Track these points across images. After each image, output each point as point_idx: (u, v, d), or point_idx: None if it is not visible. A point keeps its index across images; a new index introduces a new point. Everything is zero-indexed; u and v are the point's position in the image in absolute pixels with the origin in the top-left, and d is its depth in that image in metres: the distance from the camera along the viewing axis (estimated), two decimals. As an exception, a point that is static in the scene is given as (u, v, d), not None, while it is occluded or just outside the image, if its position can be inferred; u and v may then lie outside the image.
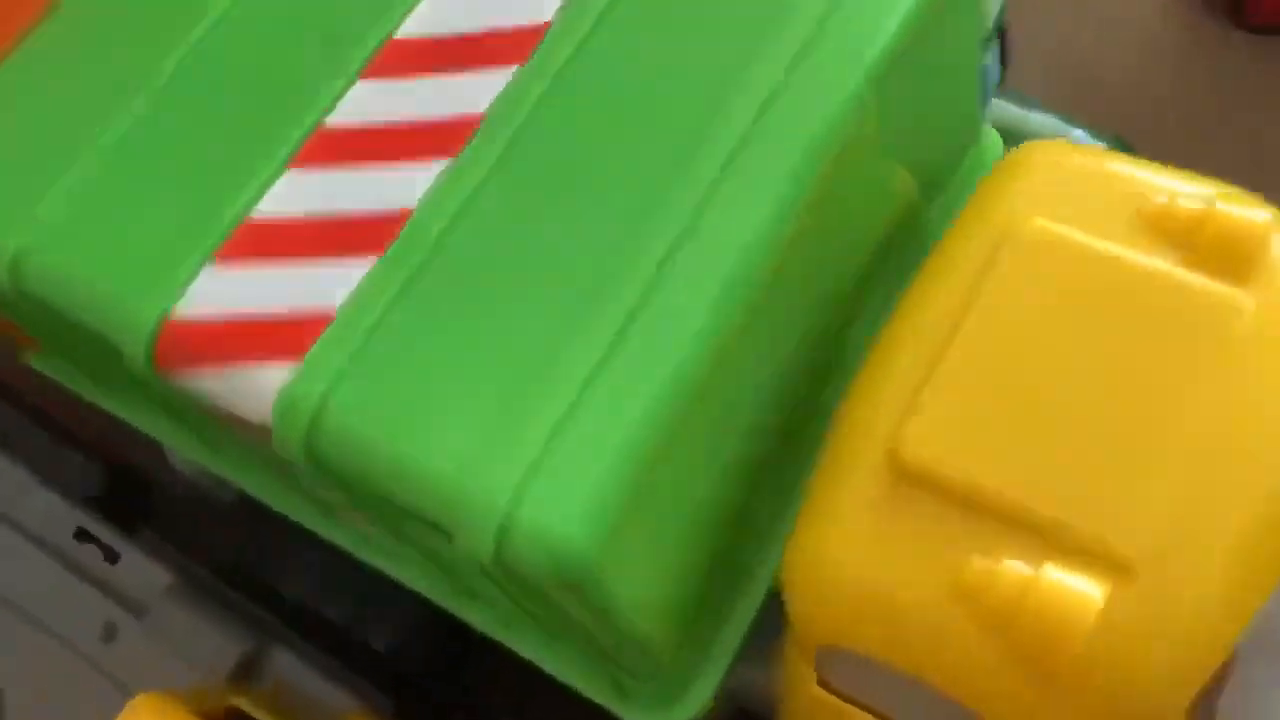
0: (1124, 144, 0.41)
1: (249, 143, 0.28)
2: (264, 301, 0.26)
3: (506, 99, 0.28)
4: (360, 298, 0.26)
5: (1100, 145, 0.41)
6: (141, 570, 0.38)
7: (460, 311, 0.25)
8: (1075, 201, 0.27)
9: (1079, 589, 0.23)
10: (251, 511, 0.40)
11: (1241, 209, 0.25)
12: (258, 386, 0.25)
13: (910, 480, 0.25)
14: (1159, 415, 0.24)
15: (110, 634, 0.38)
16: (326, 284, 0.26)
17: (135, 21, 0.31)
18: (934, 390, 0.25)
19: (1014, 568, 0.23)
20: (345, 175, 0.28)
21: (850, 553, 0.25)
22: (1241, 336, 0.24)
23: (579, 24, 0.28)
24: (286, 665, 0.37)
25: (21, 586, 0.38)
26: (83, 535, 0.39)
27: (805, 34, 0.26)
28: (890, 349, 0.27)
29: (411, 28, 0.29)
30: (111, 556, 0.39)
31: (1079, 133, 0.41)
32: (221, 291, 0.27)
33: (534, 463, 0.23)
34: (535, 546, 0.22)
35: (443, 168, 0.27)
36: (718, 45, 0.27)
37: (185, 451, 0.35)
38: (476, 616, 0.31)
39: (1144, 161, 0.28)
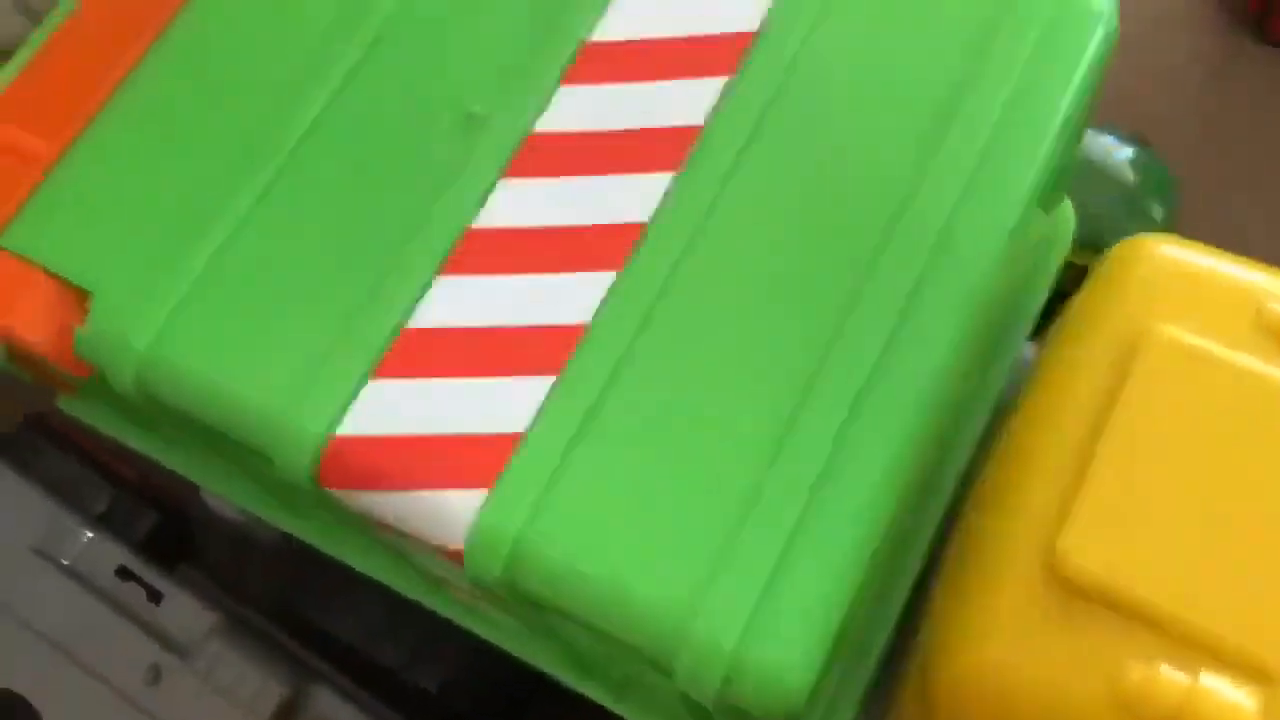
0: (1147, 146, 0.42)
1: (394, 243, 0.28)
2: (441, 421, 0.26)
3: (670, 206, 0.27)
4: (547, 420, 0.26)
5: (1128, 150, 0.42)
6: (185, 611, 0.38)
7: (653, 433, 0.25)
8: (1193, 305, 0.29)
9: (1234, 699, 0.25)
10: (295, 551, 0.39)
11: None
12: (448, 513, 0.25)
13: (1068, 588, 0.26)
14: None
15: (155, 676, 0.37)
16: (505, 404, 0.26)
17: (249, 81, 0.29)
18: (1085, 501, 0.27)
19: (1172, 676, 0.25)
20: (504, 284, 0.27)
21: (1009, 658, 0.26)
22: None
23: (737, 125, 0.28)
24: (329, 706, 0.37)
25: (67, 628, 0.38)
26: (124, 574, 0.38)
27: (990, 113, 0.27)
28: (1028, 455, 0.28)
29: (553, 120, 0.29)
30: (154, 596, 0.38)
31: (1107, 139, 0.42)
32: (390, 409, 0.26)
33: (758, 601, 0.24)
34: (762, 687, 0.23)
35: (611, 279, 0.27)
36: (907, 126, 0.27)
37: (236, 499, 0.34)
38: (586, 686, 0.32)
39: (1252, 261, 0.29)
